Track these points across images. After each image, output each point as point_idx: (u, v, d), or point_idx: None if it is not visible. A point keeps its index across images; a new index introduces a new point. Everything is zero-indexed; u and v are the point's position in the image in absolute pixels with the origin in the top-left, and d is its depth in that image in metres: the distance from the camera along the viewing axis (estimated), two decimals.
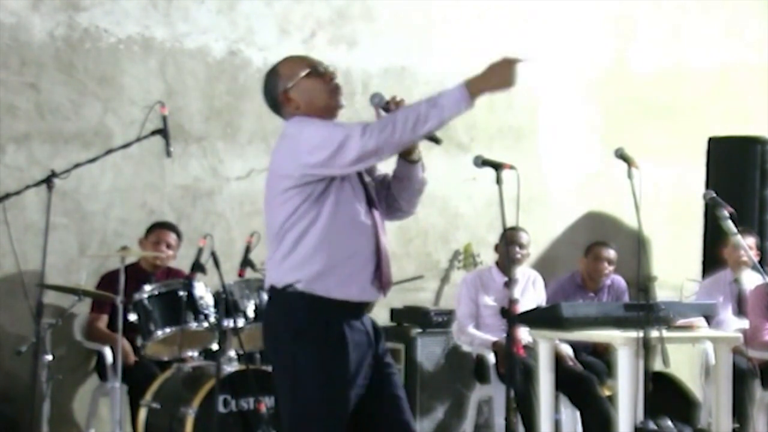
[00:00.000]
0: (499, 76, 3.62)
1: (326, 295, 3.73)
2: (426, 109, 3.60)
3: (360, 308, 3.84)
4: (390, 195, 3.96)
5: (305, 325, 3.73)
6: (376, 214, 3.85)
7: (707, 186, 7.83)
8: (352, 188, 3.80)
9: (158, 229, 6.54)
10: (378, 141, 3.61)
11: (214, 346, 5.97)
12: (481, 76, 3.62)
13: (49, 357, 5.78)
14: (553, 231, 8.19)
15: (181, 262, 6.49)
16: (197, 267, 5.80)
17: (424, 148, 3.90)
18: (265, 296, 5.93)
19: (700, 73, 8.70)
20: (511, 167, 4.40)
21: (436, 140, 3.84)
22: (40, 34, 6.62)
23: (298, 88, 3.86)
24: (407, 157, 3.89)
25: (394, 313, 7.23)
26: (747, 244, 6.67)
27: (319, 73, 3.88)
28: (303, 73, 3.86)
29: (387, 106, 3.83)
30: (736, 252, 6.92)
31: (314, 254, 3.71)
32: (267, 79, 3.94)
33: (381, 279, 3.82)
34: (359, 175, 3.84)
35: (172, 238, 6.53)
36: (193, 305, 5.90)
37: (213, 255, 5.72)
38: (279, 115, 3.93)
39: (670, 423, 6.11)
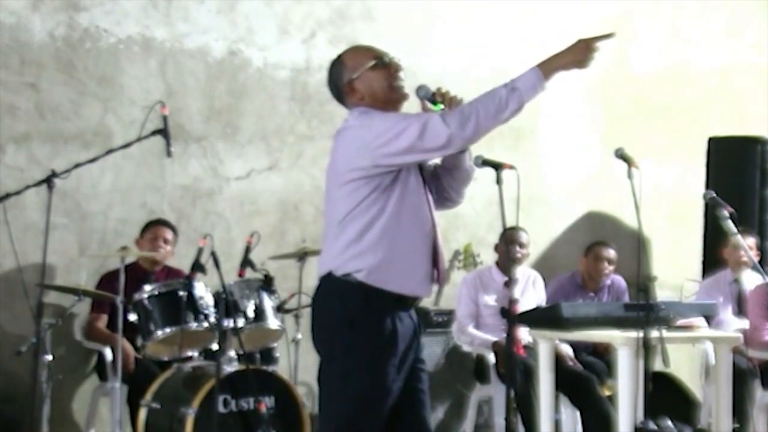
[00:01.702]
0: (573, 55, 3.73)
1: (383, 287, 3.74)
2: (506, 95, 3.65)
3: (413, 302, 3.87)
4: (440, 185, 3.98)
5: (361, 316, 3.73)
6: (432, 208, 3.90)
7: (707, 186, 7.83)
8: (416, 181, 3.82)
9: (153, 226, 6.54)
10: (470, 128, 3.64)
11: (214, 346, 5.97)
12: (555, 56, 3.71)
13: (49, 357, 5.79)
14: (553, 231, 8.18)
15: (181, 262, 6.49)
16: (197, 267, 5.79)
17: None
18: (264, 296, 6.04)
19: (700, 73, 8.69)
20: (511, 167, 4.40)
21: None
22: (40, 34, 6.61)
23: (363, 79, 3.88)
24: None
25: None
26: (747, 244, 6.67)
27: (384, 64, 3.91)
28: (369, 65, 3.89)
29: (433, 98, 3.84)
30: (736, 252, 6.92)
31: (378, 245, 3.73)
32: (332, 69, 3.96)
33: (438, 274, 3.87)
34: (419, 168, 3.85)
35: (168, 233, 6.52)
36: (193, 305, 5.89)
37: (213, 255, 5.72)
38: (342, 104, 3.95)
39: (670, 423, 6.11)
